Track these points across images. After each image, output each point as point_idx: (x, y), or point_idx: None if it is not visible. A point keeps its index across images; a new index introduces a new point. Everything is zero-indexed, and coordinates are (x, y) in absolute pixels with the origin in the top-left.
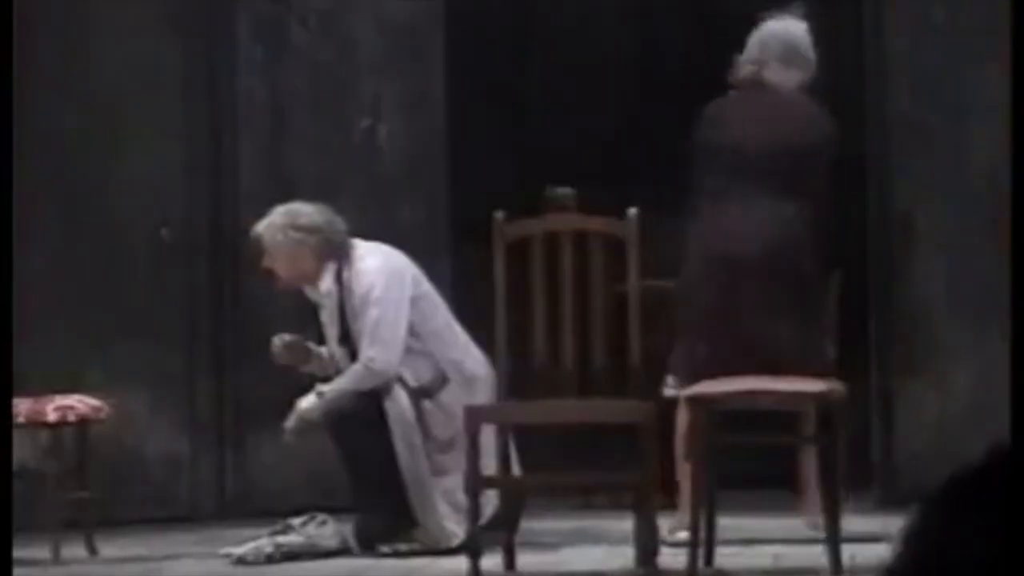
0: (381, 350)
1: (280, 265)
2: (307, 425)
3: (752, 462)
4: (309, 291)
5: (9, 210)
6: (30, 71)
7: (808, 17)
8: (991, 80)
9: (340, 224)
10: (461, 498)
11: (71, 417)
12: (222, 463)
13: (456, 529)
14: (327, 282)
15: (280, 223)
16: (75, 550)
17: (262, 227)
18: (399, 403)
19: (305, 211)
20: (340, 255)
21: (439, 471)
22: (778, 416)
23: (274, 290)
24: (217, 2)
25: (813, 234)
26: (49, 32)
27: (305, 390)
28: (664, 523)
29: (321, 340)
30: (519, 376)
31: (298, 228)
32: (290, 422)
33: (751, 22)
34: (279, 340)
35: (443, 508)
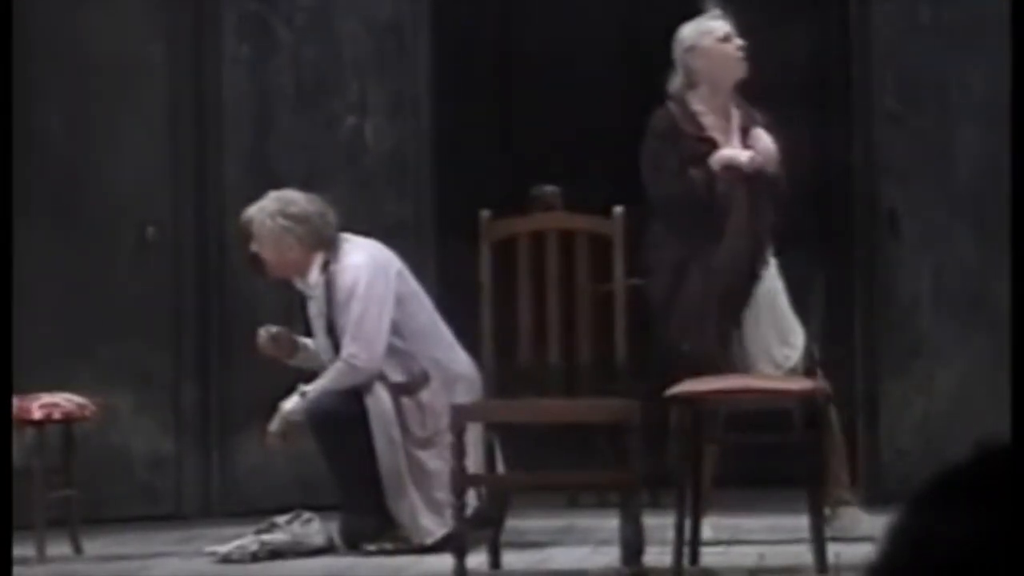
0: (363, 347)
1: (265, 251)
2: (291, 427)
3: (737, 461)
4: (298, 282)
5: (9, 211)
6: (15, 70)
7: (782, 16)
8: (977, 78)
9: (331, 216)
10: (438, 495)
11: (56, 415)
12: (207, 461)
13: (432, 527)
14: (315, 274)
15: (271, 209)
16: (60, 548)
17: (253, 210)
18: (380, 400)
19: (297, 199)
20: (329, 248)
21: (416, 468)
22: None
23: (264, 281)
24: (203, 0)
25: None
26: (35, 31)
27: (290, 390)
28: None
29: (308, 333)
30: (505, 374)
31: (287, 216)
32: (274, 425)
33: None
34: (265, 332)
35: (419, 505)
